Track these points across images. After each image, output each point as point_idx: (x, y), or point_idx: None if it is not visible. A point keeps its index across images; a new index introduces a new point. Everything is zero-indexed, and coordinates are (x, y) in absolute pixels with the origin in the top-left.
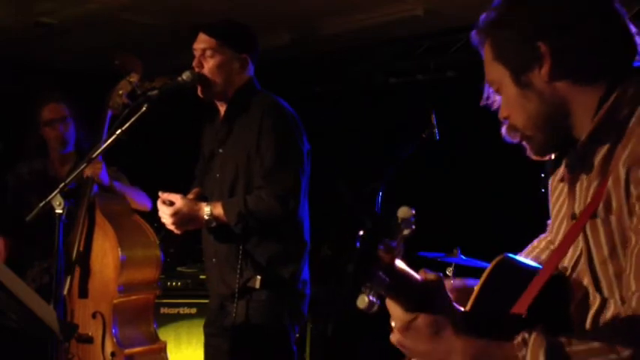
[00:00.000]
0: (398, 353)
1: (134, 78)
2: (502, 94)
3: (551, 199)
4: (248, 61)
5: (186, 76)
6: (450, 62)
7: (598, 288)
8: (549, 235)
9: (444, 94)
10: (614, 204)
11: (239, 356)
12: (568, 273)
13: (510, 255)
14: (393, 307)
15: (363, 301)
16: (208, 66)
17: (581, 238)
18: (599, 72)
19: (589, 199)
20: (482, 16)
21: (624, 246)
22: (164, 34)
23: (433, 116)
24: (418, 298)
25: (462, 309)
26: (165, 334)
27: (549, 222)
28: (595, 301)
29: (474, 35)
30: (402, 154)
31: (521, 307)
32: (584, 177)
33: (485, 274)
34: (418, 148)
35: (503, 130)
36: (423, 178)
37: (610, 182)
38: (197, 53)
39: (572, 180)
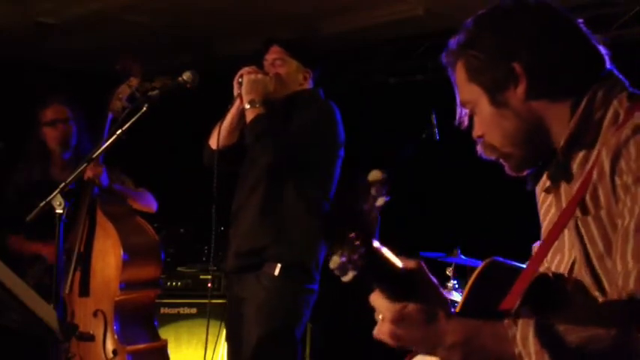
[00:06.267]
0: (398, 353)
1: (134, 82)
2: (477, 114)
3: (541, 212)
4: (310, 76)
5: (186, 76)
6: None
7: (601, 289)
8: None
9: (444, 94)
10: (602, 198)
11: (249, 328)
12: (565, 278)
13: (499, 258)
14: (378, 300)
15: (334, 261)
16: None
17: (575, 240)
18: (571, 85)
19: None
20: (453, 39)
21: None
22: (164, 34)
23: (433, 116)
24: (403, 285)
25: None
26: (166, 334)
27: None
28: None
29: (444, 57)
30: (402, 154)
31: (510, 302)
32: (566, 185)
33: (474, 276)
34: (418, 148)
35: (479, 148)
36: (423, 179)
37: (595, 175)
38: (267, 63)
39: (556, 189)
